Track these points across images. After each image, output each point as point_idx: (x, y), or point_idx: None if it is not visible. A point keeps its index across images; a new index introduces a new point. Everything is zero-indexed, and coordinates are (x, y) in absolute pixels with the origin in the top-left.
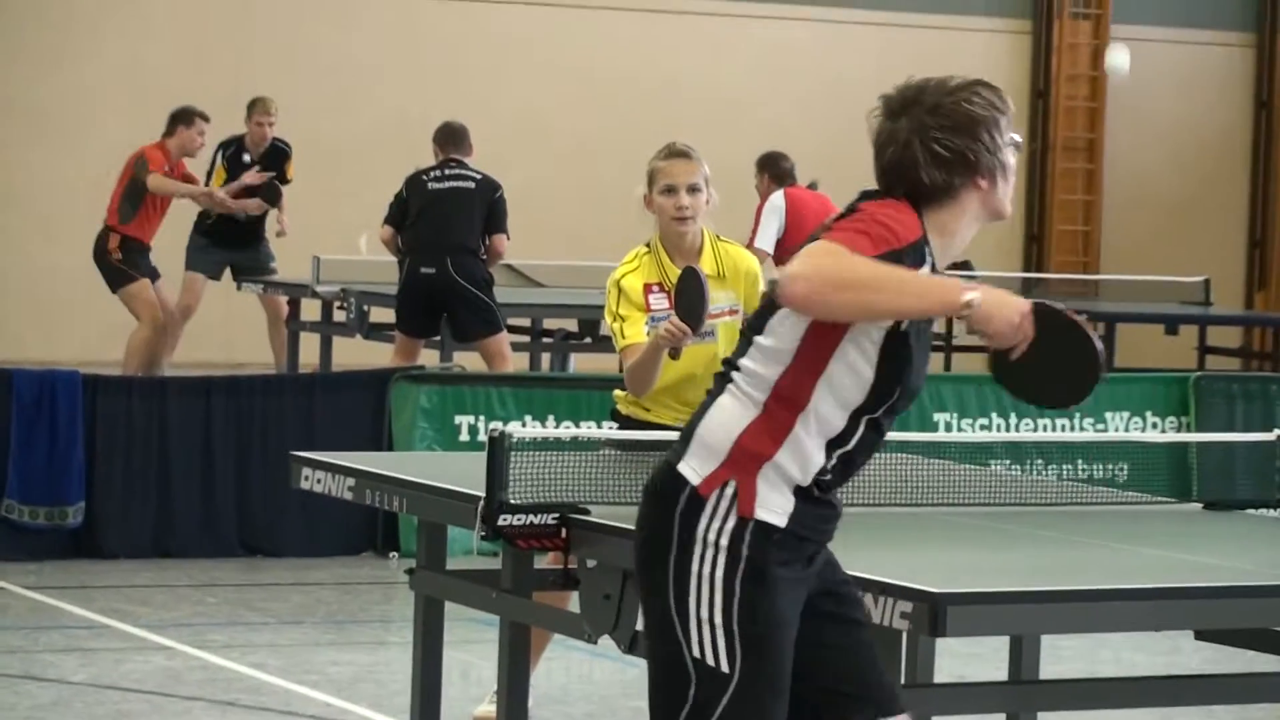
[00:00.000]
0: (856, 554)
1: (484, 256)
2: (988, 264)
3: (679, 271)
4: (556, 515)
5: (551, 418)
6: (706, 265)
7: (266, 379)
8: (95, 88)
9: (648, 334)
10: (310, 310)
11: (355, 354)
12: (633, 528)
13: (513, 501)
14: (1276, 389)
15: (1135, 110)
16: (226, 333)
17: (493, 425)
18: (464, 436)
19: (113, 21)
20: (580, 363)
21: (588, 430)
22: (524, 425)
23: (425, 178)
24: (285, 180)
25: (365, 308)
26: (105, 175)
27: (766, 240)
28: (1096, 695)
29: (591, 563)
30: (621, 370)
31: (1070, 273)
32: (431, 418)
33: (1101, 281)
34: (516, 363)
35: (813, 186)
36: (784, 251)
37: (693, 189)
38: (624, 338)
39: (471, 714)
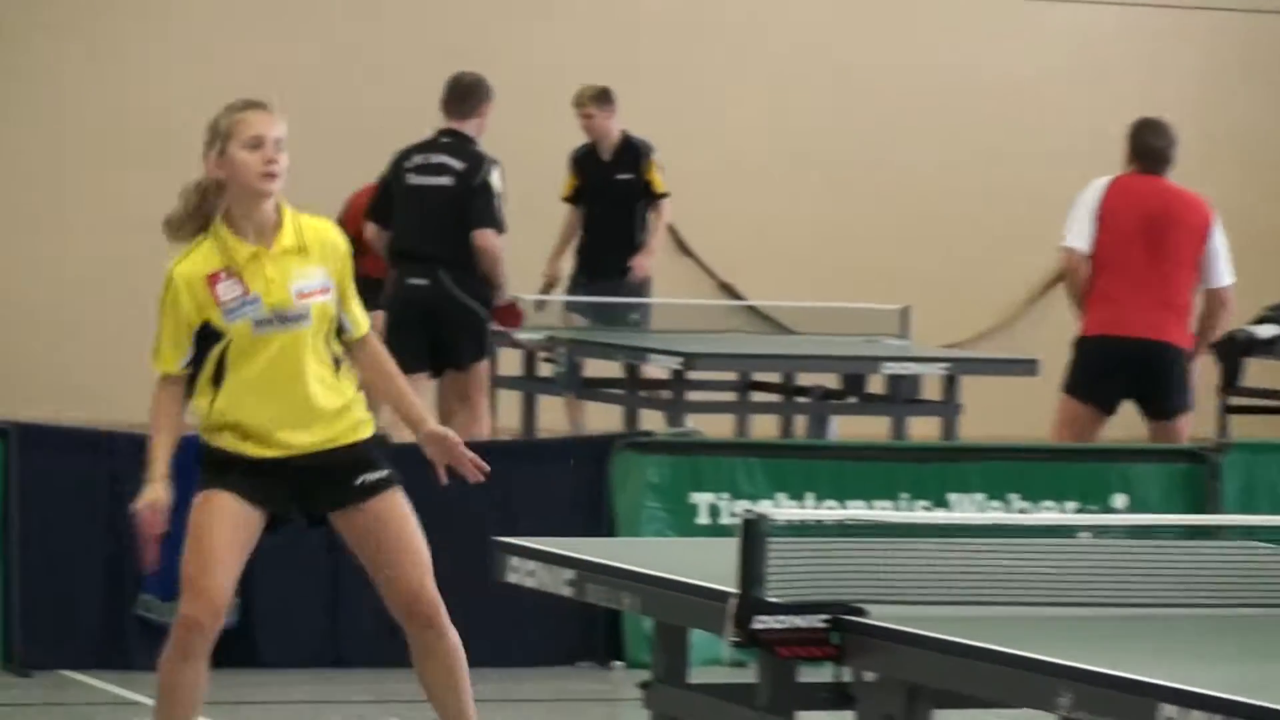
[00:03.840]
0: (1158, 664)
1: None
2: None
3: (250, 250)
4: (827, 617)
5: (811, 495)
6: (287, 239)
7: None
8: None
9: (231, 323)
10: (510, 363)
11: (564, 416)
12: (920, 631)
13: (771, 600)
14: None
15: None
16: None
17: (743, 506)
18: (703, 519)
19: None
20: (844, 427)
21: (860, 511)
22: (777, 504)
23: (405, 164)
24: (652, 191)
25: (577, 359)
26: None
27: (1071, 232)
28: None
29: (870, 676)
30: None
31: None
32: (663, 495)
33: None
34: (765, 427)
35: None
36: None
37: (279, 144)
38: (158, 360)
39: None
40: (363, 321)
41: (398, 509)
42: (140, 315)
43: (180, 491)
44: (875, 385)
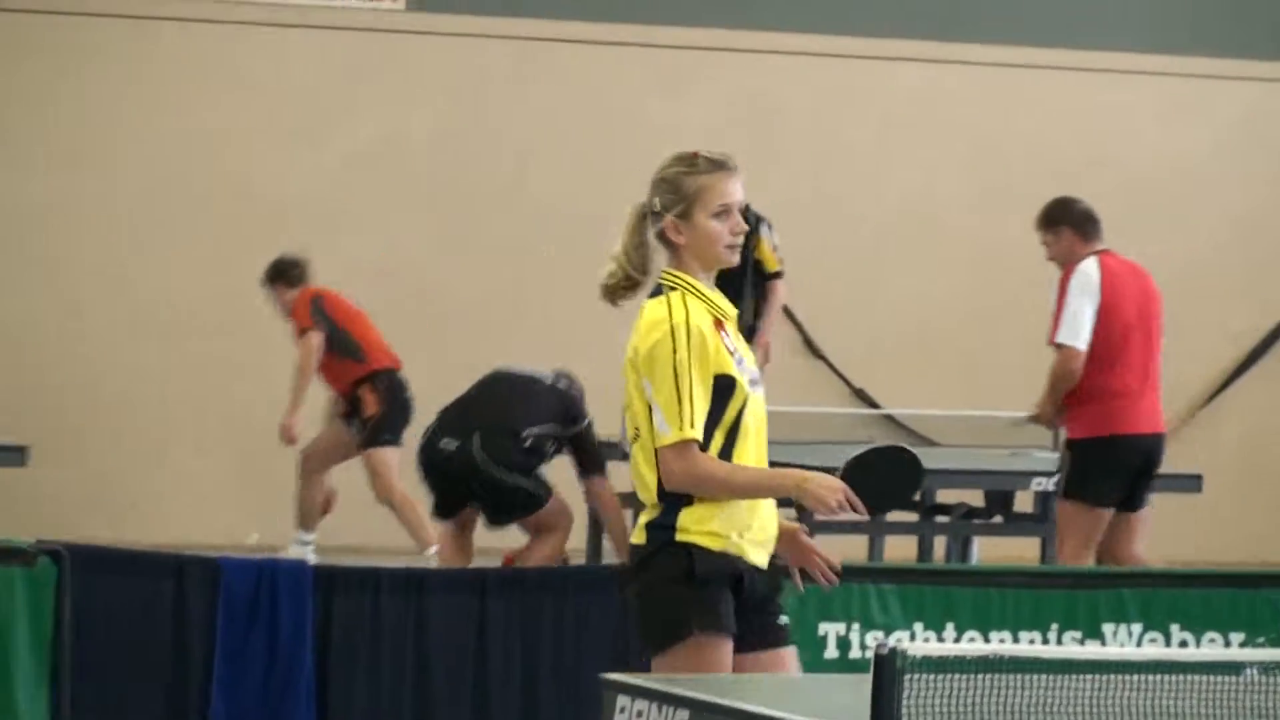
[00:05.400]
0: None
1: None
2: None
3: (728, 306)
4: None
5: (951, 625)
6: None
7: (563, 573)
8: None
9: (740, 375)
10: (618, 478)
11: None
12: None
13: None
14: None
15: None
16: None
17: (876, 638)
18: (831, 651)
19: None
20: (988, 549)
21: (1006, 646)
22: (914, 636)
23: None
24: (761, 270)
25: None
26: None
27: (1080, 333)
28: None
29: None
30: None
31: None
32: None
33: None
34: (901, 549)
35: None
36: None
37: (741, 209)
38: (688, 424)
39: None
40: None
41: (795, 659)
42: (199, 428)
43: (246, 619)
44: (1023, 503)
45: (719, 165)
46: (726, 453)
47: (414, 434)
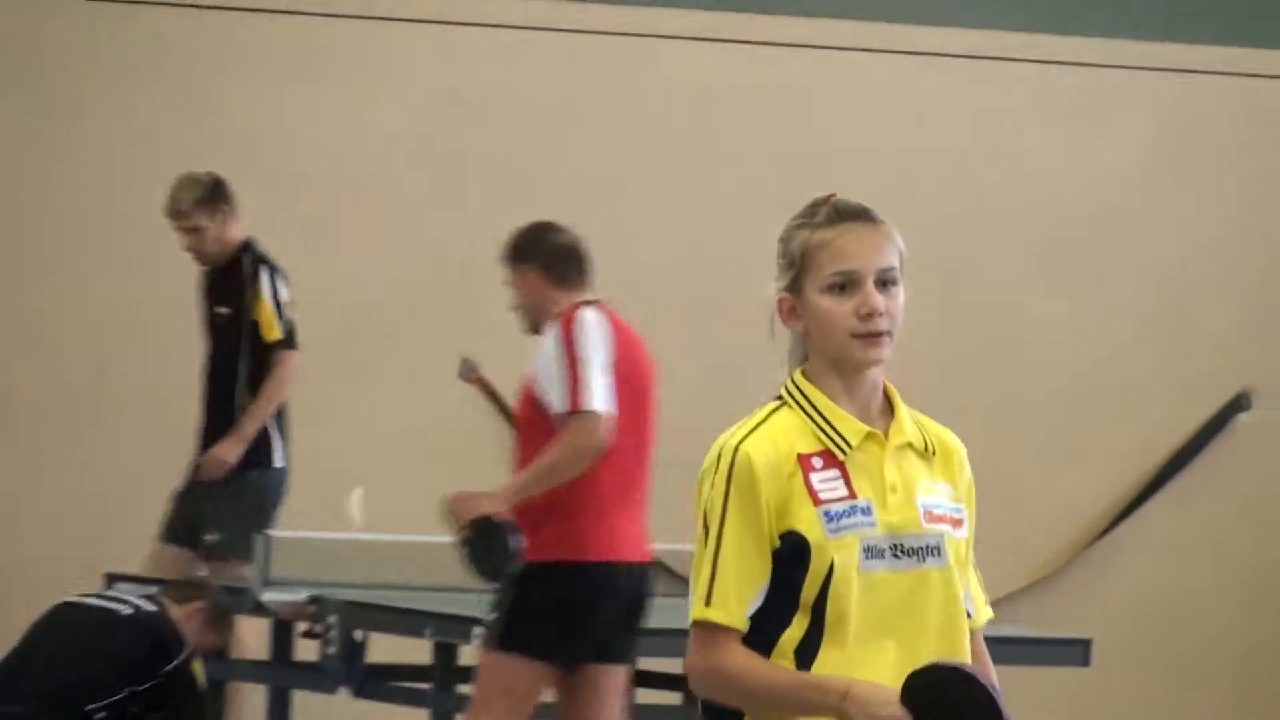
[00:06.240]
0: None
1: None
2: None
3: (861, 430)
4: None
5: None
6: (905, 429)
7: None
8: None
9: (832, 538)
10: (254, 637)
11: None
12: None
13: None
14: None
15: None
16: None
17: None
18: None
19: None
20: None
21: None
22: None
23: None
24: (260, 338)
25: (357, 635)
26: None
27: (601, 395)
28: None
29: None
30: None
31: None
32: None
33: None
34: None
35: None
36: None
37: (886, 279)
38: (713, 603)
39: None
40: (984, 604)
41: None
42: None
43: None
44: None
45: (845, 215)
46: (807, 652)
47: None
